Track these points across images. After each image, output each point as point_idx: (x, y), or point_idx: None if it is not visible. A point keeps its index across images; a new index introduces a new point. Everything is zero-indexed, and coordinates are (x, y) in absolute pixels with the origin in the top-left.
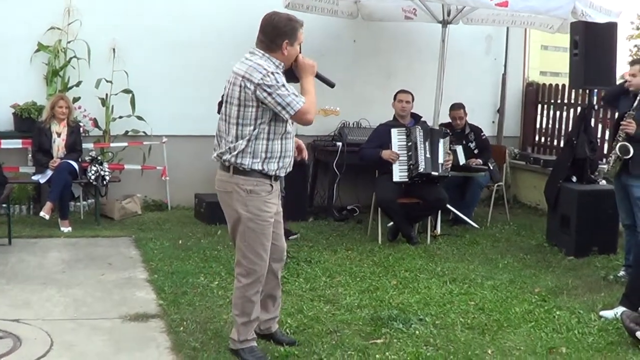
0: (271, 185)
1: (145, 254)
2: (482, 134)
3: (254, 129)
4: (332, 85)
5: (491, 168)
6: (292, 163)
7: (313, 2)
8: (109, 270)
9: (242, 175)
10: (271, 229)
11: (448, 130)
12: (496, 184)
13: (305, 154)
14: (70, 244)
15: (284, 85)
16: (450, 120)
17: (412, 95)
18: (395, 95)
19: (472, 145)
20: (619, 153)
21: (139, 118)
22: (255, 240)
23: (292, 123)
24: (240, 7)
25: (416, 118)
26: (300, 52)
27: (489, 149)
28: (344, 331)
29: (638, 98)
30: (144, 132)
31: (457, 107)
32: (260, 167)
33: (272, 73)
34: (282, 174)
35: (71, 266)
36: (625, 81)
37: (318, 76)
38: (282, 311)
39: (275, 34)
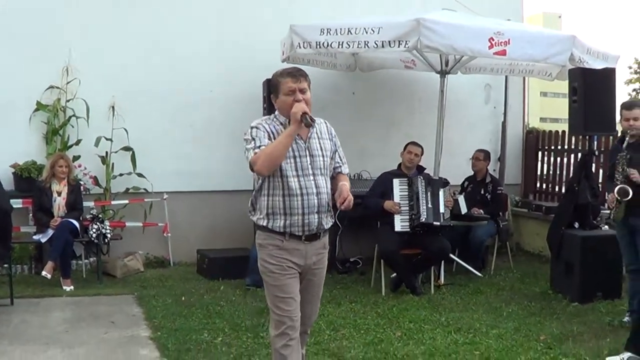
0: (282, 241)
1: (148, 311)
2: (499, 187)
3: (257, 183)
4: (307, 125)
5: (501, 227)
6: (315, 221)
7: (311, 56)
8: (112, 328)
9: (258, 229)
10: (287, 282)
11: (447, 180)
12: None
13: (344, 204)
14: (73, 303)
15: (253, 139)
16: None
17: (422, 149)
18: (406, 146)
19: (489, 196)
20: (617, 196)
21: (140, 175)
22: (270, 291)
23: (311, 177)
24: (239, 65)
25: (420, 170)
26: (301, 101)
27: (500, 204)
28: None
29: (626, 140)
30: (144, 189)
31: (477, 151)
32: (264, 223)
33: (253, 127)
34: (299, 232)
35: (74, 325)
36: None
37: (303, 119)
38: None
39: (270, 91)
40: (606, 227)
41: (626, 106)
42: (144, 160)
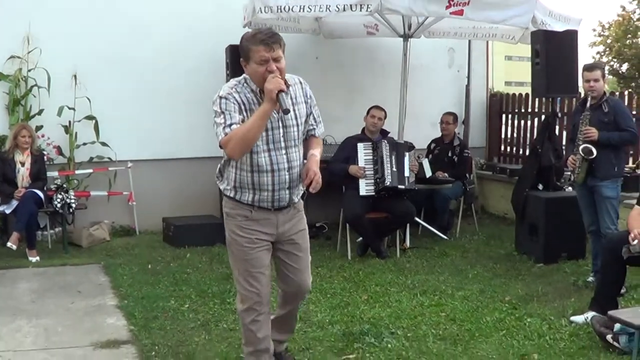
0: (250, 211)
1: (115, 280)
2: (466, 150)
3: (224, 155)
4: (285, 111)
5: (467, 190)
6: (286, 197)
7: (274, 21)
8: (79, 298)
9: (225, 197)
10: (257, 256)
11: (412, 144)
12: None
13: (312, 186)
14: (39, 273)
15: (223, 113)
16: (440, 135)
17: (385, 112)
18: (369, 110)
19: (456, 158)
20: (582, 154)
21: (103, 144)
22: (238, 265)
23: (283, 151)
24: (202, 31)
25: (384, 134)
26: (275, 72)
27: (465, 166)
28: (316, 348)
29: (589, 100)
30: (108, 157)
31: (446, 115)
32: (231, 195)
33: (222, 97)
34: (268, 207)
35: (40, 296)
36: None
37: (278, 100)
38: None
39: (239, 53)
40: (569, 188)
41: (587, 68)
42: (107, 129)
